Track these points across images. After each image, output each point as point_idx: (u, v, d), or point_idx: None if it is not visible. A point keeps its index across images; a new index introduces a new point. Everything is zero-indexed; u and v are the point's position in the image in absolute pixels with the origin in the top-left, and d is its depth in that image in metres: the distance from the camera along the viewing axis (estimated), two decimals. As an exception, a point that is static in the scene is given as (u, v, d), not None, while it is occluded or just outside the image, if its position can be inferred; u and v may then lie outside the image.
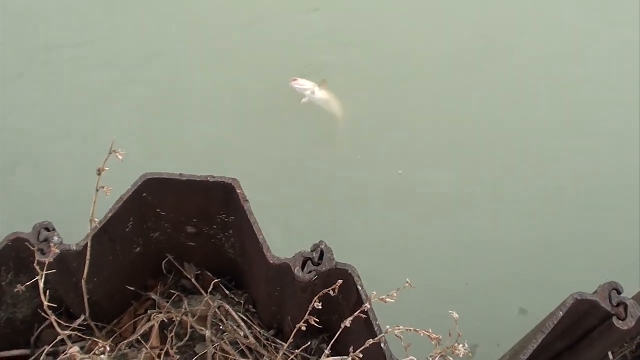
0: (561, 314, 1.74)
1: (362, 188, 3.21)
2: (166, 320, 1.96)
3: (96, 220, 1.70)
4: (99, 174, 1.57)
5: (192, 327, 1.97)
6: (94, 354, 1.71)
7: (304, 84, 3.38)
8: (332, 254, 1.76)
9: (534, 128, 3.45)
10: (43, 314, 1.65)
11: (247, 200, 1.86)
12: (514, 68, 3.62)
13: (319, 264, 1.74)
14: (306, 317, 1.48)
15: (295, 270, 1.72)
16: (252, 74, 3.47)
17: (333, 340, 1.58)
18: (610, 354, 2.11)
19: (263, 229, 1.85)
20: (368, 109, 3.48)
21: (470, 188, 3.24)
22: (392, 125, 3.39)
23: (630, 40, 3.66)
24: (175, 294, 2.14)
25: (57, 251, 1.63)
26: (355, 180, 3.23)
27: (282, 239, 2.81)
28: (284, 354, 1.77)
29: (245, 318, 2.10)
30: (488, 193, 3.23)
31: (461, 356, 1.28)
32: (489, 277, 2.95)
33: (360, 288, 1.77)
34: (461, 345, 1.26)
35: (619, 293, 1.74)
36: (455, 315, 1.26)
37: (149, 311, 2.06)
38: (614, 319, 1.70)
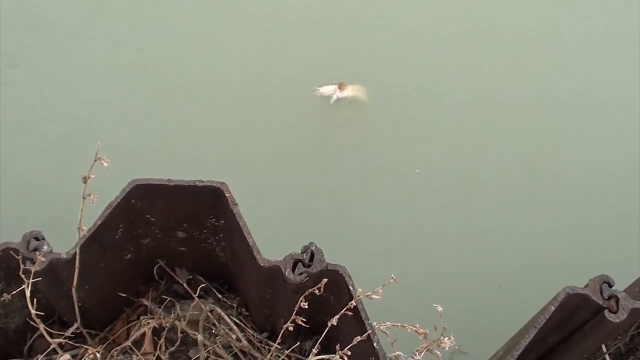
0: (553, 308, 1.73)
1: (378, 185, 3.20)
2: (157, 327, 1.96)
3: (84, 228, 1.70)
4: (85, 182, 1.57)
5: (184, 332, 1.97)
6: (85, 361, 1.71)
7: (325, 89, 3.43)
8: (323, 255, 1.75)
9: (544, 126, 3.40)
10: (33, 323, 1.65)
11: (236, 204, 1.85)
12: (522, 64, 3.57)
13: (309, 266, 1.73)
14: (293, 317, 1.48)
15: (286, 273, 1.72)
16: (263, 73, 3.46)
17: (320, 339, 1.58)
18: (603, 347, 2.11)
19: (262, 230, 1.85)
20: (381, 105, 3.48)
21: (475, 187, 3.24)
22: (410, 121, 3.38)
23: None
24: (167, 299, 2.15)
25: (43, 260, 1.63)
26: (371, 178, 3.22)
27: (283, 240, 2.79)
28: (276, 355, 1.77)
29: (237, 321, 2.10)
30: (491, 192, 3.22)
31: (447, 349, 1.29)
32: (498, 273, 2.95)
33: (351, 288, 1.76)
34: (447, 338, 1.27)
35: (610, 286, 1.74)
36: (440, 309, 1.27)
37: (141, 317, 2.06)
38: (606, 312, 1.69)
